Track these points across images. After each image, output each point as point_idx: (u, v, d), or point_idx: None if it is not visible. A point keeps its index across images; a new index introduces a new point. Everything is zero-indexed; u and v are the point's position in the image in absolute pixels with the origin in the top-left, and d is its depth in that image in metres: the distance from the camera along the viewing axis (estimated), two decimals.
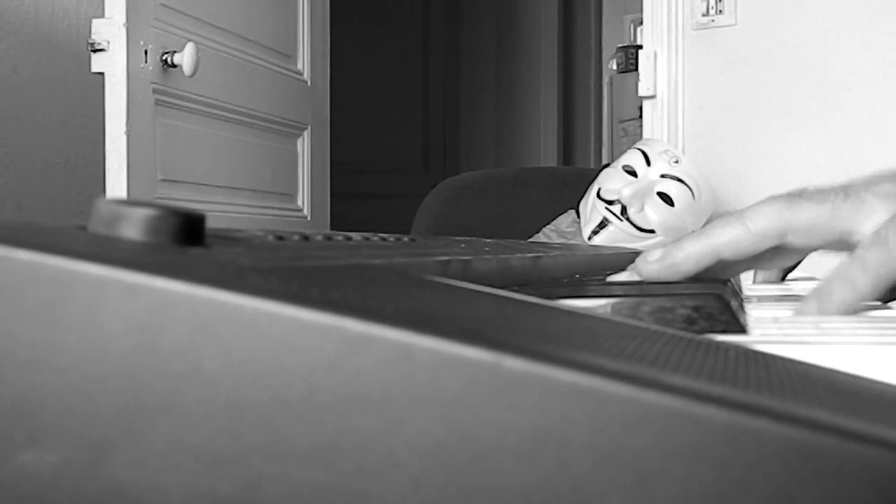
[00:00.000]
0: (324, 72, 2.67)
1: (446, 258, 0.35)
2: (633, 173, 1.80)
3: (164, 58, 1.95)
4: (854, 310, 0.41)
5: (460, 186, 2.32)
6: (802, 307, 0.42)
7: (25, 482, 0.17)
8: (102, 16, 1.85)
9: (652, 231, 1.79)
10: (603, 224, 1.80)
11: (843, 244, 0.46)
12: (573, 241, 1.85)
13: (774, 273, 0.69)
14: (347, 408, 0.16)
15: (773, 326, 0.37)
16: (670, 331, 0.23)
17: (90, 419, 0.16)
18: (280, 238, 0.29)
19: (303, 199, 2.59)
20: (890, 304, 0.47)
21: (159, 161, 1.97)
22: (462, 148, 4.36)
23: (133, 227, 0.20)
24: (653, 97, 2.30)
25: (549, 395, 0.15)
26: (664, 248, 0.46)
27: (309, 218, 2.60)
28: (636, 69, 2.42)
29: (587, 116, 4.43)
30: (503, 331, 0.19)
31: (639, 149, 1.85)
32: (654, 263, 0.45)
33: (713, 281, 0.42)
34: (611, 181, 1.81)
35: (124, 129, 1.84)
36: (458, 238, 0.55)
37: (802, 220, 0.46)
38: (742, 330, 0.32)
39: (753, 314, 0.41)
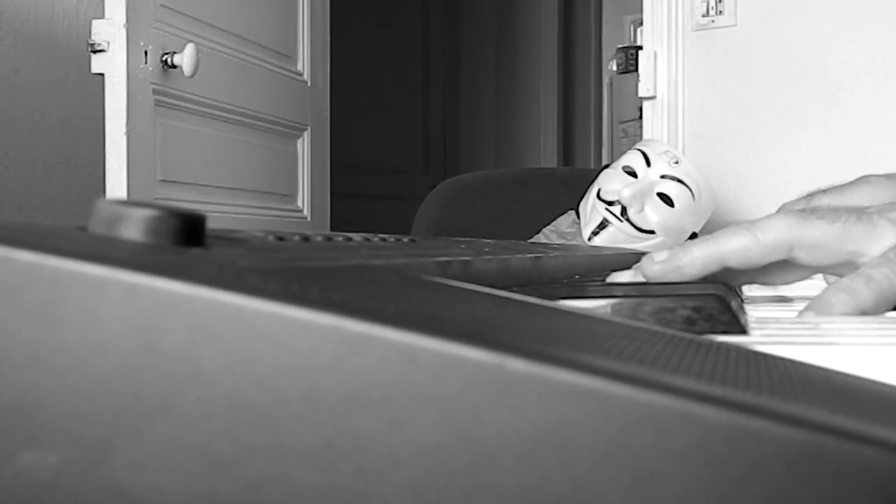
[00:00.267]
0: (324, 72, 2.67)
1: (446, 259, 0.35)
2: (633, 174, 1.80)
3: (164, 58, 1.95)
4: None
5: (460, 187, 2.32)
6: (800, 317, 0.42)
7: (25, 483, 0.17)
8: (102, 16, 1.85)
9: (652, 232, 1.79)
10: (603, 225, 1.80)
11: (850, 266, 0.46)
12: (573, 242, 1.85)
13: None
14: (347, 408, 0.16)
15: (773, 327, 0.37)
16: (670, 331, 0.23)
17: (90, 420, 0.16)
18: (280, 239, 0.29)
19: (303, 200, 2.59)
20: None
21: (159, 162, 1.97)
22: (462, 148, 4.36)
23: (133, 228, 0.20)
24: (653, 98, 2.30)
25: (549, 395, 0.15)
26: (671, 250, 0.46)
27: (309, 218, 2.60)
28: (636, 70, 2.42)
29: (587, 117, 4.43)
30: (503, 331, 0.19)
31: (639, 149, 1.85)
32: (659, 264, 0.45)
33: (714, 282, 0.42)
34: (611, 182, 1.81)
35: (124, 129, 1.84)
36: (459, 239, 0.55)
37: (812, 237, 0.45)
38: (742, 331, 0.32)
39: (754, 314, 0.41)
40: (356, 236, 0.38)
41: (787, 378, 0.19)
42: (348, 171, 3.63)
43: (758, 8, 2.20)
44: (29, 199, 2.17)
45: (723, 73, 2.24)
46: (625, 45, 3.96)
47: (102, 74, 1.84)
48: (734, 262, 0.46)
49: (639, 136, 2.56)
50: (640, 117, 2.40)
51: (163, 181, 1.98)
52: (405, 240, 0.42)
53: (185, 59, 1.95)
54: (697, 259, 0.45)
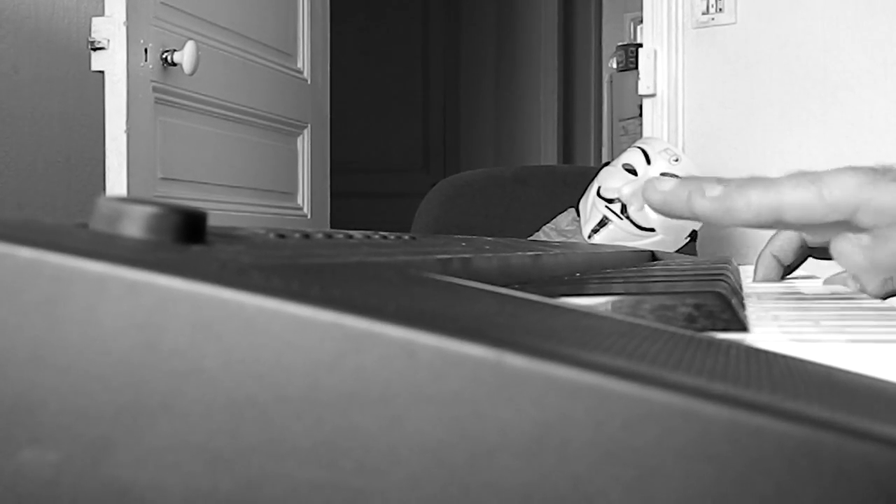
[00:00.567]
0: (324, 70, 2.67)
1: (447, 256, 0.35)
2: (634, 172, 1.80)
3: (164, 56, 1.95)
4: None
5: (460, 185, 2.32)
6: (848, 237, 0.38)
7: (26, 480, 0.17)
8: (102, 14, 1.85)
9: (652, 229, 1.79)
10: (603, 222, 1.80)
11: None
12: (573, 240, 1.85)
13: (774, 271, 0.69)
14: (348, 405, 0.16)
15: (773, 324, 0.37)
16: (671, 328, 0.23)
17: (91, 417, 0.16)
18: (281, 236, 0.29)
19: (303, 198, 2.59)
20: (890, 298, 0.46)
21: (159, 159, 1.97)
22: (462, 146, 4.36)
23: (134, 225, 0.20)
24: (653, 96, 2.30)
25: (549, 392, 0.15)
26: (725, 188, 0.41)
27: (309, 216, 2.60)
28: (636, 68, 2.42)
29: (587, 115, 4.43)
30: (504, 328, 0.19)
31: (639, 147, 1.85)
32: (710, 201, 0.41)
33: (713, 280, 0.42)
34: (611, 180, 1.81)
35: (124, 127, 1.84)
36: (459, 236, 0.55)
37: (881, 201, 0.41)
38: (743, 328, 0.32)
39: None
40: (357, 234, 0.38)
41: (787, 375, 0.19)
42: (348, 169, 3.63)
43: (758, 6, 2.19)
44: (29, 197, 2.17)
45: (723, 70, 2.24)
46: (625, 42, 3.95)
47: (102, 72, 1.84)
48: (792, 216, 0.41)
49: (639, 134, 2.56)
50: (640, 115, 2.40)
51: (163, 179, 1.98)
52: (405, 237, 0.42)
53: (185, 56, 1.95)
54: (753, 205, 0.41)
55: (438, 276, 0.26)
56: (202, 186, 2.14)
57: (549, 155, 4.27)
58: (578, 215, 1.94)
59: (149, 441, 0.16)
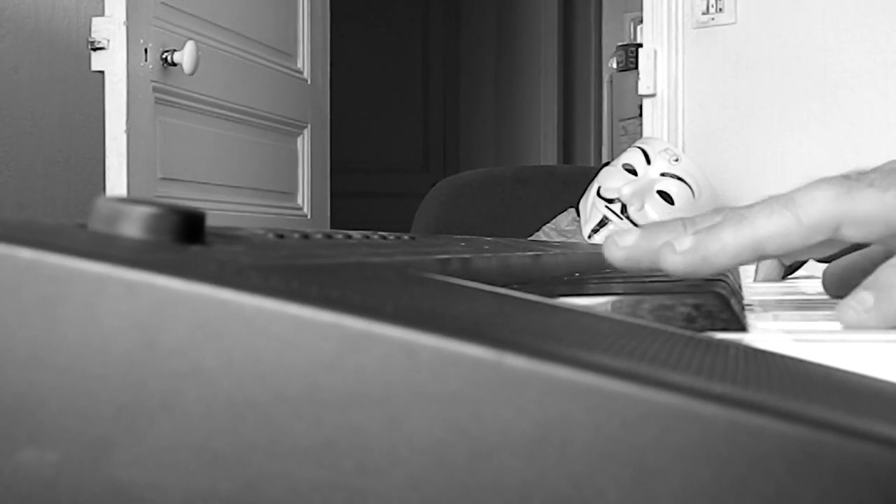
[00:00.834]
0: (324, 70, 2.67)
1: (446, 256, 0.35)
2: (633, 172, 1.80)
3: (164, 56, 1.95)
4: None
5: (460, 185, 2.32)
6: (851, 302, 0.35)
7: (25, 481, 0.17)
8: (102, 14, 1.85)
9: None
10: (603, 222, 1.80)
11: None
12: (573, 240, 1.85)
13: (776, 271, 0.68)
14: (348, 406, 0.16)
15: (773, 324, 0.37)
16: (670, 328, 0.23)
17: (90, 417, 0.16)
18: (280, 236, 0.29)
19: (303, 198, 2.59)
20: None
21: (159, 159, 1.97)
22: (462, 146, 4.36)
23: (133, 225, 0.20)
24: (653, 96, 2.30)
25: (549, 392, 0.15)
26: (694, 237, 0.39)
27: (309, 216, 2.61)
28: (636, 68, 2.42)
29: (587, 115, 4.43)
30: (504, 328, 0.19)
31: (639, 147, 1.85)
32: (682, 256, 0.38)
33: (712, 280, 0.42)
34: (611, 180, 1.81)
35: (124, 127, 1.84)
36: (458, 236, 0.55)
37: (862, 211, 0.38)
38: (742, 328, 0.32)
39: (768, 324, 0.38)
40: (356, 234, 0.38)
41: (787, 375, 0.19)
42: (348, 169, 3.63)
43: (758, 6, 2.20)
44: (29, 197, 2.17)
45: (723, 70, 2.24)
46: (625, 42, 3.95)
47: (102, 72, 1.84)
48: (772, 248, 0.38)
49: (639, 134, 2.56)
50: (640, 115, 2.40)
51: (163, 179, 1.98)
52: (405, 237, 0.42)
53: (185, 56, 1.95)
54: (729, 246, 0.38)
55: (438, 277, 0.26)
56: (202, 186, 2.14)
57: (549, 155, 4.27)
58: (578, 215, 1.94)
59: (148, 441, 0.16)
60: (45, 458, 0.17)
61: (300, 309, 0.16)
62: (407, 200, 2.91)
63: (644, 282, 0.43)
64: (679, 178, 1.79)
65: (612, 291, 0.34)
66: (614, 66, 3.99)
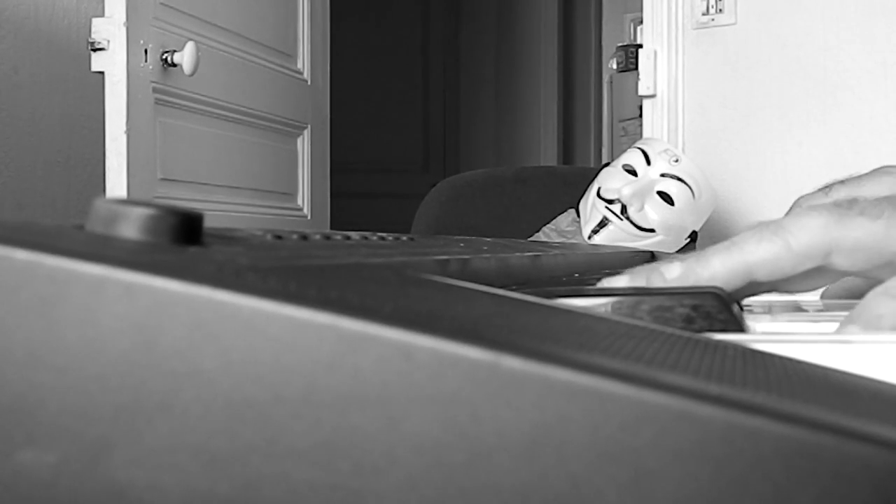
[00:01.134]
0: (324, 71, 2.67)
1: (445, 257, 0.35)
2: (633, 172, 1.80)
3: (164, 57, 1.95)
4: None
5: (460, 186, 2.32)
6: (842, 330, 0.35)
7: (24, 482, 0.17)
8: (102, 15, 1.85)
9: (652, 230, 1.79)
10: (603, 223, 1.80)
11: (893, 267, 0.39)
12: (573, 241, 1.85)
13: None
14: (345, 407, 0.16)
15: (771, 325, 0.37)
16: (669, 330, 0.23)
17: (89, 418, 0.16)
18: (278, 237, 0.29)
19: (303, 199, 2.59)
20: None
21: (159, 160, 1.97)
22: (462, 147, 4.36)
23: (131, 227, 0.20)
24: (653, 96, 2.30)
25: (547, 394, 0.15)
26: (684, 263, 0.39)
27: (309, 217, 2.61)
28: (636, 68, 2.42)
29: (587, 115, 4.43)
30: (501, 330, 0.19)
31: (639, 148, 1.85)
32: (672, 282, 0.38)
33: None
34: (611, 180, 1.81)
35: (124, 128, 1.84)
36: (458, 237, 0.55)
37: (852, 239, 0.38)
38: (741, 329, 0.32)
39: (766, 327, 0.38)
40: (355, 235, 0.38)
41: (785, 376, 0.19)
42: (348, 169, 3.63)
43: (758, 6, 2.20)
44: (29, 198, 2.17)
45: (723, 71, 2.24)
46: (625, 43, 3.95)
47: (102, 73, 1.84)
48: (762, 274, 0.39)
49: (639, 135, 2.56)
50: (640, 116, 2.40)
51: (163, 180, 1.98)
52: (404, 238, 0.42)
53: (185, 57, 1.95)
54: (719, 274, 0.38)
55: (436, 278, 0.26)
56: (202, 187, 2.14)
57: (549, 155, 4.27)
58: (578, 216, 1.94)
59: (147, 442, 0.16)
60: (44, 458, 0.17)
61: (298, 310, 0.16)
62: (407, 201, 2.91)
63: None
64: (679, 179, 1.79)
65: (610, 293, 0.34)
66: (614, 66, 3.99)
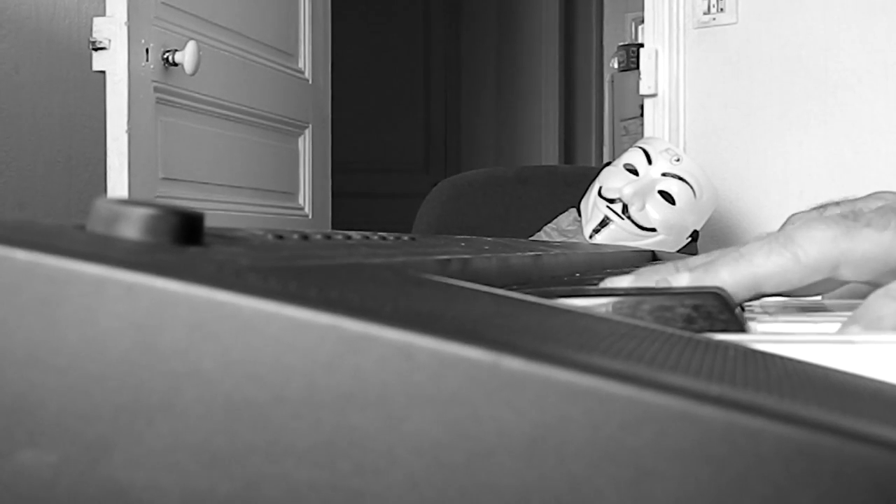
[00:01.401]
0: (325, 70, 2.67)
1: (446, 257, 0.35)
2: (635, 172, 1.80)
3: (165, 56, 1.95)
4: None
5: (461, 185, 2.32)
6: (844, 331, 0.35)
7: (24, 482, 0.17)
8: (104, 14, 1.85)
9: (653, 230, 1.79)
10: (604, 223, 1.80)
11: None
12: (574, 240, 1.85)
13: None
14: (346, 407, 0.16)
15: (772, 325, 0.37)
16: (669, 330, 0.23)
17: (89, 419, 0.16)
18: (279, 237, 0.29)
19: (304, 198, 2.59)
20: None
21: (160, 160, 1.97)
22: (463, 146, 4.36)
23: (131, 227, 0.20)
24: (654, 95, 2.30)
25: (547, 394, 0.15)
26: (693, 273, 0.39)
27: (310, 217, 2.61)
28: (637, 68, 2.42)
29: (588, 115, 4.43)
30: (502, 330, 0.19)
31: (640, 147, 1.85)
32: None
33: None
34: (612, 180, 1.81)
35: (125, 127, 1.84)
36: (459, 237, 0.55)
37: (860, 252, 0.38)
38: (741, 329, 0.32)
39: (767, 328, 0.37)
40: (355, 235, 0.38)
41: (785, 376, 0.19)
42: (349, 169, 3.63)
43: (759, 6, 2.19)
44: (30, 198, 2.17)
45: (724, 70, 2.24)
46: (626, 42, 3.95)
47: (104, 72, 1.84)
48: (770, 286, 0.39)
49: (640, 134, 2.56)
50: (642, 115, 2.40)
51: (164, 179, 1.99)
52: (405, 238, 0.42)
53: (186, 56, 1.95)
54: (728, 284, 0.38)
55: (436, 278, 0.26)
56: (203, 187, 2.14)
57: (550, 155, 4.27)
58: (580, 215, 1.94)
59: (147, 442, 0.16)
60: (44, 458, 0.17)
61: (298, 310, 0.16)
62: (408, 200, 2.91)
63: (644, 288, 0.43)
64: (680, 178, 1.79)
65: (611, 293, 0.34)
66: (615, 66, 3.99)
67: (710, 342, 0.21)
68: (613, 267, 0.69)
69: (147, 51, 1.90)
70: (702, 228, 1.88)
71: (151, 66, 1.91)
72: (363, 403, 0.16)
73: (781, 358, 0.21)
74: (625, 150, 1.91)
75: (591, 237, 1.82)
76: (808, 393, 0.18)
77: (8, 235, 0.17)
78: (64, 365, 0.17)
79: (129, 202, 0.20)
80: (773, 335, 0.32)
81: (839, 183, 2.06)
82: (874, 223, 0.39)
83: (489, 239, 0.59)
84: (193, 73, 1.98)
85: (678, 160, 1.81)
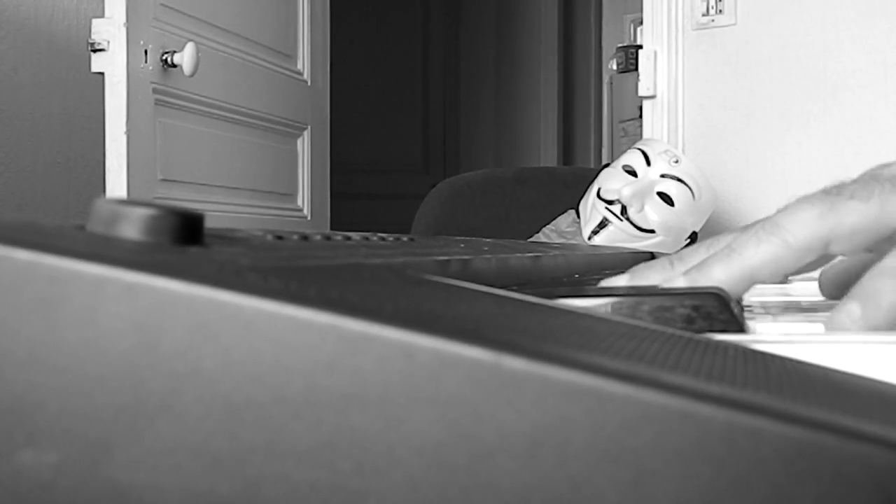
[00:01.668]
0: (324, 71, 2.67)
1: (445, 258, 0.35)
2: (633, 173, 1.80)
3: (164, 57, 1.95)
4: None
5: (460, 186, 2.32)
6: (839, 315, 0.35)
7: (24, 482, 0.17)
8: (102, 16, 1.85)
9: (652, 231, 1.79)
10: (603, 224, 1.80)
11: (892, 242, 0.38)
12: (573, 241, 1.85)
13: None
14: (346, 407, 0.16)
15: (771, 325, 0.37)
16: (669, 330, 0.23)
17: (89, 419, 0.16)
18: (279, 238, 0.29)
19: (303, 199, 2.59)
20: None
21: (159, 161, 1.97)
22: (462, 148, 4.36)
23: (131, 227, 0.20)
24: (653, 97, 2.30)
25: (547, 394, 0.15)
26: (687, 276, 0.39)
27: (309, 218, 2.60)
28: (636, 69, 2.42)
29: (587, 116, 4.43)
30: (502, 330, 0.19)
31: (639, 149, 1.85)
32: None
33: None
34: (611, 181, 1.81)
35: (124, 128, 1.84)
36: (458, 238, 0.55)
37: (849, 224, 0.38)
38: (741, 329, 0.32)
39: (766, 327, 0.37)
40: (355, 235, 0.38)
41: (785, 376, 0.19)
42: (348, 170, 3.63)
43: (758, 7, 2.20)
44: (29, 199, 2.17)
45: (723, 72, 2.24)
46: (625, 44, 3.95)
47: (102, 73, 1.84)
48: (765, 275, 0.39)
49: (639, 136, 2.56)
50: (640, 116, 2.40)
51: (163, 180, 1.98)
52: (404, 239, 0.42)
53: (185, 58, 1.95)
54: (723, 282, 0.38)
55: (436, 278, 0.26)
56: (202, 188, 2.14)
57: (549, 156, 4.27)
58: (578, 217, 1.94)
59: (147, 442, 0.16)
60: (44, 459, 0.17)
61: (298, 310, 0.16)
62: (407, 202, 2.91)
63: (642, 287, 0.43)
64: (679, 180, 1.79)
65: (611, 293, 0.34)
66: (614, 67, 3.99)
67: (709, 342, 0.21)
68: (612, 268, 0.69)
69: (146, 52, 1.90)
70: (701, 230, 1.88)
71: (150, 68, 1.91)
72: (363, 403, 0.16)
73: (781, 358, 0.21)
74: (623, 152, 1.91)
75: (589, 238, 1.82)
76: (808, 393, 0.18)
77: (8, 235, 0.17)
78: (64, 365, 0.17)
79: (130, 202, 0.20)
80: (773, 335, 0.32)
81: None
82: (858, 194, 0.39)
83: (488, 240, 0.59)
84: (192, 75, 1.98)
85: (677, 161, 1.81)
